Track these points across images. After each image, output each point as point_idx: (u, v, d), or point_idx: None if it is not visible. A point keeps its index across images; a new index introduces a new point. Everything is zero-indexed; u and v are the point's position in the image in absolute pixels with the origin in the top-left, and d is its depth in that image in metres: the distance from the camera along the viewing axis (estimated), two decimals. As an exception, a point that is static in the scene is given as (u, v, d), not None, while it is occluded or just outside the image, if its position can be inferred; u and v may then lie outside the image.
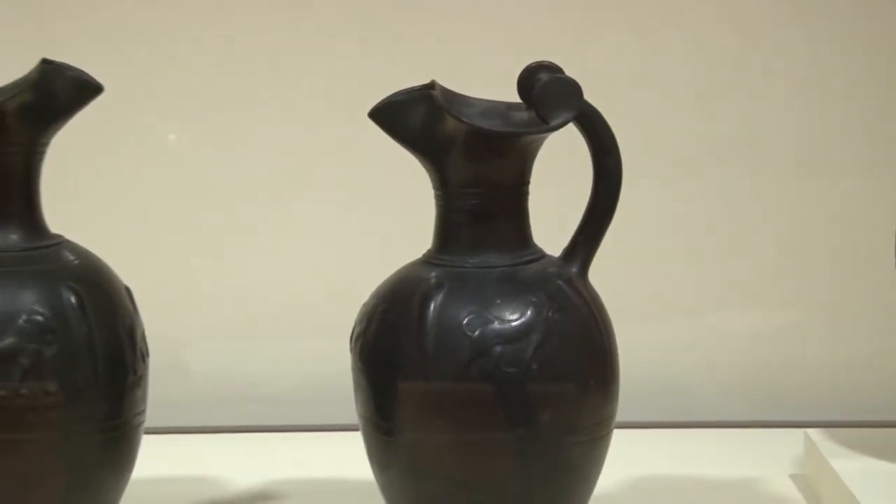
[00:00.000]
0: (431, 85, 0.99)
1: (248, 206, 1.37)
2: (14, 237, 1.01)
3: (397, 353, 0.99)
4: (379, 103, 0.99)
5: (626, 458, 1.12)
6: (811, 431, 1.21)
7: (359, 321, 1.02)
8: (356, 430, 1.03)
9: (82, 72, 1.01)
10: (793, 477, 1.22)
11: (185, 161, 1.37)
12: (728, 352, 1.39)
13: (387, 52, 1.33)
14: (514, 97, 1.01)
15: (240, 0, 1.35)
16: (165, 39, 1.34)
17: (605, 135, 1.02)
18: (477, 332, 0.98)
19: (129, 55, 1.32)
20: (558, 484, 1.00)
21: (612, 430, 1.02)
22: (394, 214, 1.31)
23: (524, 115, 1.00)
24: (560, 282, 1.01)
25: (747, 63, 1.36)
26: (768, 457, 1.26)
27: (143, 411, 1.03)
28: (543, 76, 1.00)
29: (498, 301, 0.99)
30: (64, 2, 1.34)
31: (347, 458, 1.12)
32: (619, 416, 1.02)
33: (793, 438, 1.25)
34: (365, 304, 1.02)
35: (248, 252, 1.37)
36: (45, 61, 1.00)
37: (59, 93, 1.00)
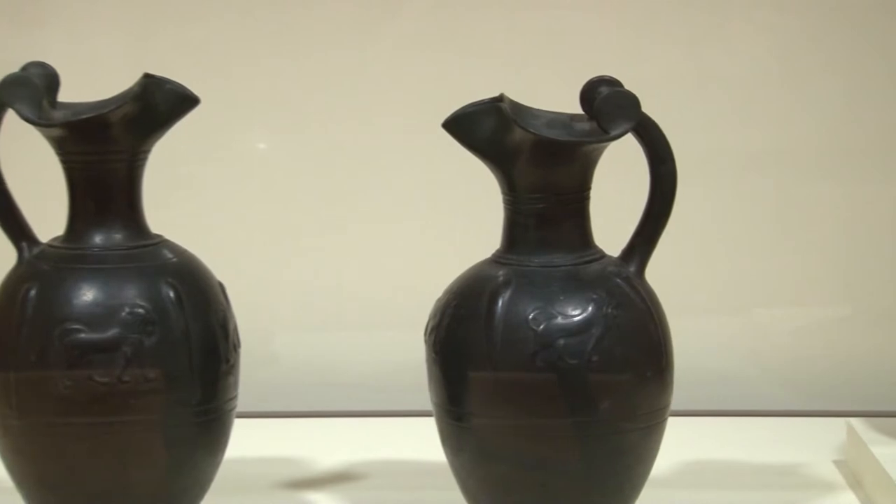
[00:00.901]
0: (500, 98, 0.99)
1: (332, 208, 1.37)
2: (118, 237, 1.02)
3: (468, 345, 0.99)
4: (452, 114, 0.99)
5: (680, 444, 1.12)
6: (853, 420, 1.20)
7: (432, 315, 1.02)
8: (430, 415, 1.03)
9: (181, 85, 1.01)
10: (836, 463, 1.21)
11: (273, 168, 1.38)
12: (774, 345, 1.39)
13: (459, 66, 1.34)
14: (577, 109, 1.01)
15: (324, 20, 1.35)
16: (256, 56, 1.35)
17: (660, 144, 1.01)
18: (542, 327, 0.98)
19: (223, 70, 1.33)
20: (616, 467, 1.00)
21: (666, 418, 1.02)
22: (465, 217, 1.31)
23: (586, 125, 1.00)
24: (619, 280, 1.01)
25: (790, 76, 1.35)
26: (812, 444, 1.26)
27: (235, 397, 1.04)
28: (604, 89, 1.00)
29: (561, 298, 0.99)
30: (165, 21, 1.35)
31: (422, 441, 1.12)
32: (674, 404, 1.02)
33: (835, 427, 1.24)
34: (438, 300, 1.03)
35: (332, 251, 1.37)
36: (146, 76, 1.00)
37: (159, 104, 1.01)
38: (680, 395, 1.03)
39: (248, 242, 1.35)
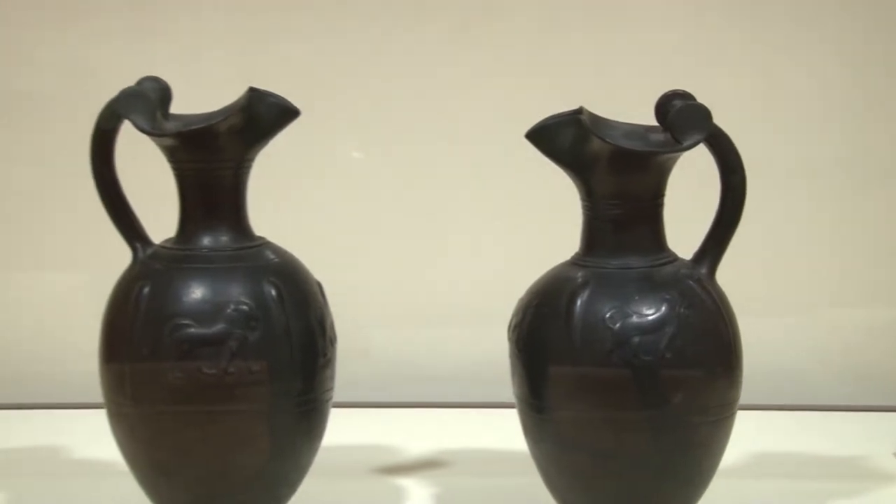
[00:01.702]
0: (580, 110, 0.99)
1: (422, 213, 1.38)
2: (224, 239, 1.02)
3: (549, 341, 0.99)
4: (534, 126, 0.99)
5: (749, 437, 1.11)
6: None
7: (515, 313, 1.02)
8: (512, 407, 1.03)
9: (282, 98, 1.02)
10: (896, 455, 1.21)
11: (367, 175, 1.38)
12: (840, 343, 1.38)
13: (542, 81, 1.34)
14: (652, 121, 1.01)
15: (415, 37, 1.35)
16: (352, 71, 1.36)
17: (731, 154, 1.01)
18: (618, 325, 0.98)
19: (322, 84, 1.34)
20: (687, 458, 0.99)
21: (735, 412, 1.01)
22: (546, 221, 1.31)
23: (660, 136, 1.00)
24: (691, 282, 1.00)
25: (856, 88, 1.34)
26: (874, 437, 1.25)
27: (332, 388, 1.04)
28: (678, 102, 1.00)
29: (636, 298, 0.98)
30: (268, 38, 1.36)
31: (504, 431, 1.12)
32: (742, 399, 1.01)
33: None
34: (521, 299, 1.03)
35: (422, 253, 1.38)
36: (251, 89, 1.01)
37: (262, 116, 1.01)
38: (748, 390, 1.02)
39: (344, 244, 1.36)
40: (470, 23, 1.36)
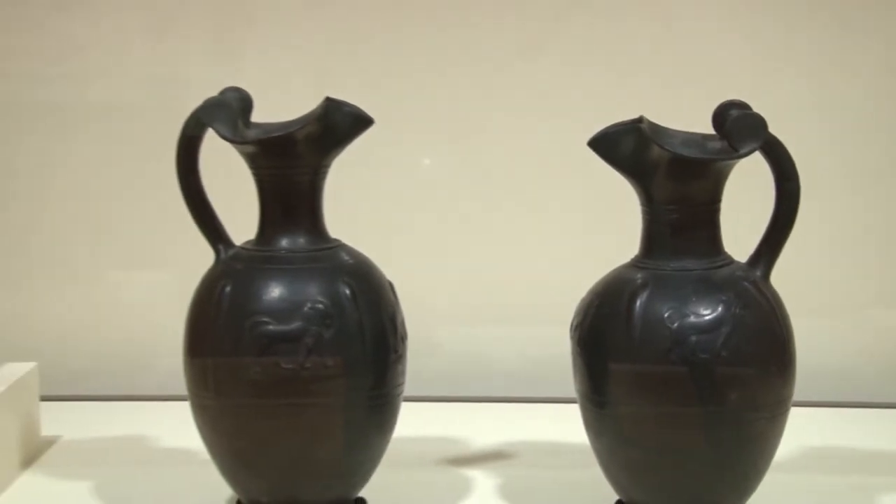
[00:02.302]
0: (640, 119, 0.99)
1: (488, 216, 1.37)
2: (301, 240, 1.03)
3: (609, 340, 0.99)
4: (596, 134, 0.99)
5: (801, 433, 1.10)
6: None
7: (577, 313, 1.02)
8: (574, 402, 1.03)
9: (357, 107, 1.02)
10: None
11: (436, 179, 1.38)
12: (888, 342, 1.36)
13: (604, 91, 1.33)
14: (710, 130, 1.01)
15: (480, 50, 1.35)
16: (421, 81, 1.36)
17: (786, 162, 1.00)
18: (676, 325, 0.97)
19: (394, 94, 1.34)
20: (742, 453, 0.98)
21: (789, 409, 1.00)
22: (606, 225, 1.30)
23: (717, 144, 0.99)
24: (746, 283, 1.00)
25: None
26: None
27: (403, 383, 1.04)
28: (734, 112, 0.99)
29: (693, 299, 0.98)
30: (344, 50, 1.36)
31: (567, 426, 1.12)
32: (795, 396, 1.01)
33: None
34: (582, 300, 1.02)
35: (488, 254, 1.38)
36: (327, 99, 1.01)
37: (338, 124, 1.01)
38: (801, 387, 1.02)
39: (414, 246, 1.36)
40: (535, 35, 1.36)
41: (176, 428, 1.16)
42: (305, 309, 0.99)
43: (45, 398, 1.23)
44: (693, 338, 0.97)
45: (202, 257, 1.05)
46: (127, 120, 1.37)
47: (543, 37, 1.35)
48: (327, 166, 1.03)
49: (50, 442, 1.23)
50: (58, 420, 1.25)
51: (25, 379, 1.19)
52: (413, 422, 1.10)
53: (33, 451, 1.19)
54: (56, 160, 1.38)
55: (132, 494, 1.10)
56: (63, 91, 1.37)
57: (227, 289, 1.01)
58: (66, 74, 1.37)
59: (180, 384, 1.03)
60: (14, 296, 1.39)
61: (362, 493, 1.06)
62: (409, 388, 1.05)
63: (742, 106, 1.00)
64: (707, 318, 0.97)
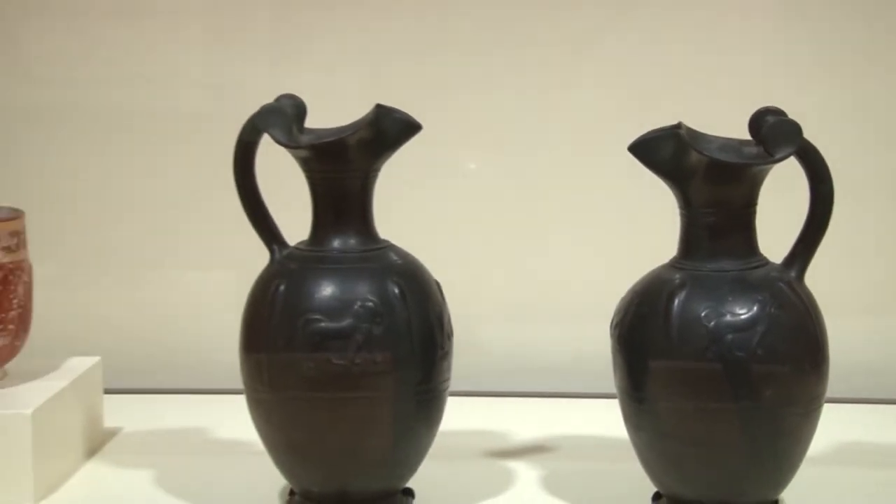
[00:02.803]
0: (679, 125, 0.99)
1: (532, 219, 1.37)
2: (352, 241, 1.03)
3: (648, 338, 0.98)
4: (637, 139, 0.99)
5: (834, 429, 1.10)
6: None
7: (617, 312, 1.02)
8: (614, 397, 1.03)
9: (406, 114, 1.02)
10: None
11: (482, 184, 1.38)
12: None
13: (645, 98, 1.33)
14: (746, 135, 1.00)
15: (524, 61, 1.35)
16: (467, 89, 1.36)
17: (820, 166, 0.99)
18: (712, 323, 0.97)
19: (441, 102, 1.34)
20: (777, 447, 0.98)
21: (822, 405, 1.00)
22: (646, 227, 1.30)
23: (753, 149, 0.99)
24: (781, 284, 0.99)
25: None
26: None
27: (449, 378, 1.04)
28: (770, 118, 0.99)
29: (730, 298, 0.98)
30: (393, 59, 1.36)
31: (607, 420, 1.12)
32: (829, 392, 1.00)
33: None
34: (622, 299, 1.02)
35: (531, 255, 1.38)
36: (378, 106, 1.01)
37: (388, 130, 1.02)
38: (834, 384, 1.01)
39: (461, 247, 1.36)
40: (576, 47, 1.35)
41: (232, 420, 1.17)
42: (356, 307, 0.99)
43: (108, 391, 1.24)
44: (729, 336, 0.96)
45: (258, 257, 1.05)
46: (188, 125, 1.38)
47: (585, 47, 1.35)
48: (377, 170, 1.03)
49: (112, 433, 1.24)
50: (120, 412, 1.26)
51: (90, 373, 1.19)
52: (458, 416, 1.10)
53: (97, 442, 1.20)
54: (119, 163, 1.39)
55: (189, 483, 1.11)
56: (130, 98, 1.38)
57: (282, 288, 1.01)
58: (131, 82, 1.38)
59: (236, 378, 1.04)
60: (80, 294, 1.40)
61: (409, 484, 1.06)
62: (454, 383, 1.05)
63: (778, 112, 1.00)
64: (743, 317, 0.97)
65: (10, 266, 1.11)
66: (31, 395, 1.10)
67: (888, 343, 1.36)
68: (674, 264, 1.01)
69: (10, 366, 1.15)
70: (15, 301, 1.11)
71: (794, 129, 0.98)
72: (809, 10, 1.34)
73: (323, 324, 0.99)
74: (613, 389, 1.02)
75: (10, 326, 1.11)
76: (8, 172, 1.37)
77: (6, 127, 1.38)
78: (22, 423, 1.05)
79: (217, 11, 1.38)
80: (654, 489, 1.04)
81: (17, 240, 1.12)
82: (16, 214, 1.12)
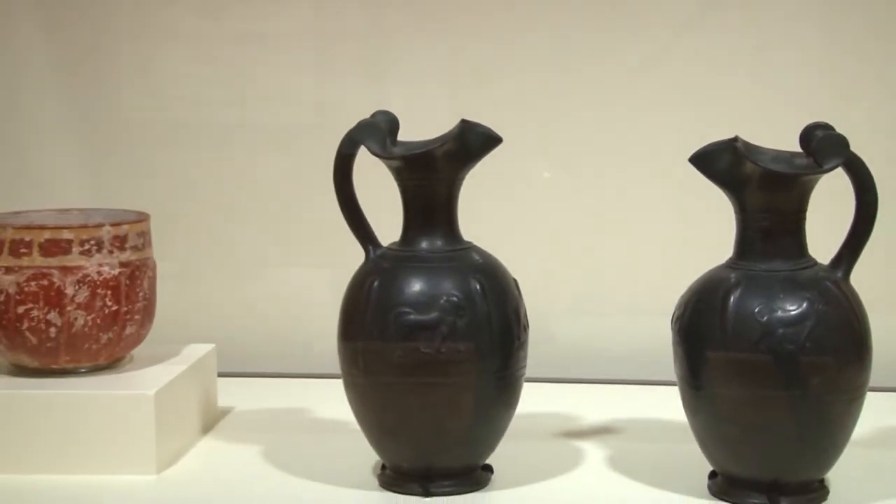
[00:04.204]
0: (735, 138, 0.98)
1: (599, 222, 1.37)
2: (439, 242, 1.03)
3: (706, 331, 0.98)
4: (697, 151, 0.99)
5: (878, 415, 1.08)
6: None
7: (677, 307, 1.01)
8: (674, 385, 1.02)
9: (488, 128, 1.02)
10: None
11: (555, 191, 1.38)
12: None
13: (704, 114, 1.32)
14: (797, 148, 0.99)
15: (592, 79, 1.35)
16: (542, 106, 1.35)
17: (865, 176, 0.98)
18: (765, 318, 0.96)
19: (519, 117, 1.34)
20: (823, 431, 0.97)
21: (865, 393, 0.99)
22: (704, 230, 1.28)
23: (804, 161, 0.98)
24: (828, 283, 0.98)
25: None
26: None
27: (525, 366, 1.04)
28: (819, 132, 0.98)
29: (781, 296, 0.97)
30: (476, 78, 1.36)
31: (667, 405, 1.11)
32: (872, 382, 0.99)
33: None
34: (682, 295, 1.01)
35: (600, 255, 1.37)
36: (463, 121, 1.02)
37: (471, 143, 1.02)
38: (876, 375, 1.00)
39: (536, 248, 1.35)
40: (642, 66, 1.34)
41: (330, 402, 1.17)
42: (442, 301, 0.99)
43: (221, 374, 1.25)
44: (780, 330, 0.96)
45: (354, 256, 1.06)
46: (295, 140, 1.39)
47: (652, 67, 1.34)
48: (462, 178, 1.04)
49: (225, 412, 1.25)
50: (232, 394, 1.27)
51: (205, 358, 1.21)
52: (533, 400, 1.10)
53: (211, 420, 1.21)
54: (234, 173, 1.40)
55: (293, 458, 1.12)
56: (244, 115, 1.40)
57: (375, 283, 1.01)
58: (244, 101, 1.40)
59: (335, 365, 1.04)
60: (197, 287, 1.41)
61: (489, 461, 1.06)
62: (529, 370, 1.05)
63: (826, 127, 0.99)
64: (793, 313, 0.96)
65: (137, 263, 1.12)
66: (154, 377, 1.11)
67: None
68: (729, 265, 1.00)
69: (136, 352, 1.17)
70: (141, 294, 1.13)
71: (841, 142, 0.97)
72: (854, 35, 1.32)
73: (412, 316, 0.99)
74: (673, 377, 1.02)
75: (137, 317, 1.13)
76: (138, 180, 1.39)
77: (140, 140, 1.40)
78: (145, 402, 1.07)
79: (319, 37, 1.39)
80: (711, 468, 1.03)
81: (143, 240, 1.13)
82: (142, 217, 1.14)
